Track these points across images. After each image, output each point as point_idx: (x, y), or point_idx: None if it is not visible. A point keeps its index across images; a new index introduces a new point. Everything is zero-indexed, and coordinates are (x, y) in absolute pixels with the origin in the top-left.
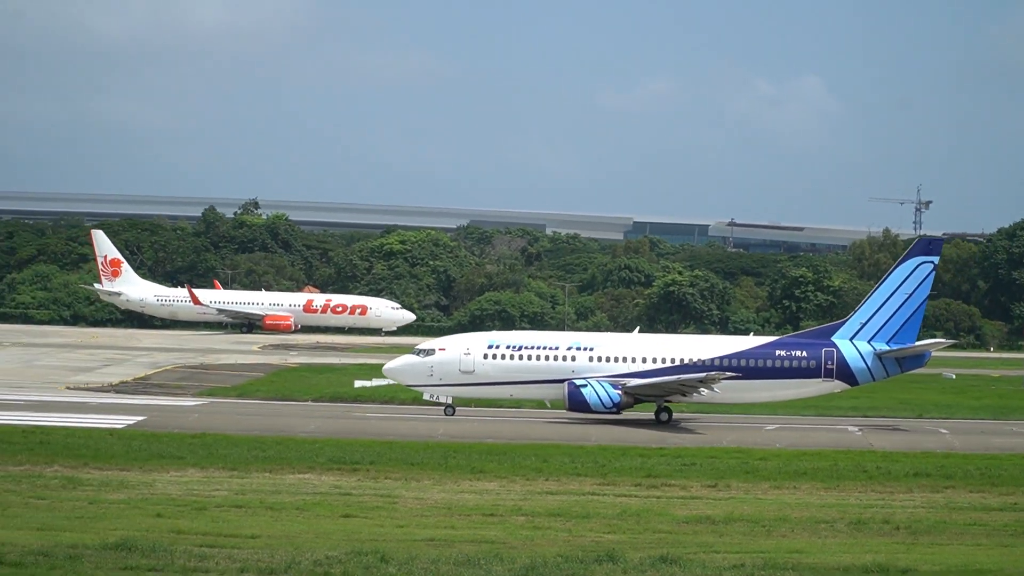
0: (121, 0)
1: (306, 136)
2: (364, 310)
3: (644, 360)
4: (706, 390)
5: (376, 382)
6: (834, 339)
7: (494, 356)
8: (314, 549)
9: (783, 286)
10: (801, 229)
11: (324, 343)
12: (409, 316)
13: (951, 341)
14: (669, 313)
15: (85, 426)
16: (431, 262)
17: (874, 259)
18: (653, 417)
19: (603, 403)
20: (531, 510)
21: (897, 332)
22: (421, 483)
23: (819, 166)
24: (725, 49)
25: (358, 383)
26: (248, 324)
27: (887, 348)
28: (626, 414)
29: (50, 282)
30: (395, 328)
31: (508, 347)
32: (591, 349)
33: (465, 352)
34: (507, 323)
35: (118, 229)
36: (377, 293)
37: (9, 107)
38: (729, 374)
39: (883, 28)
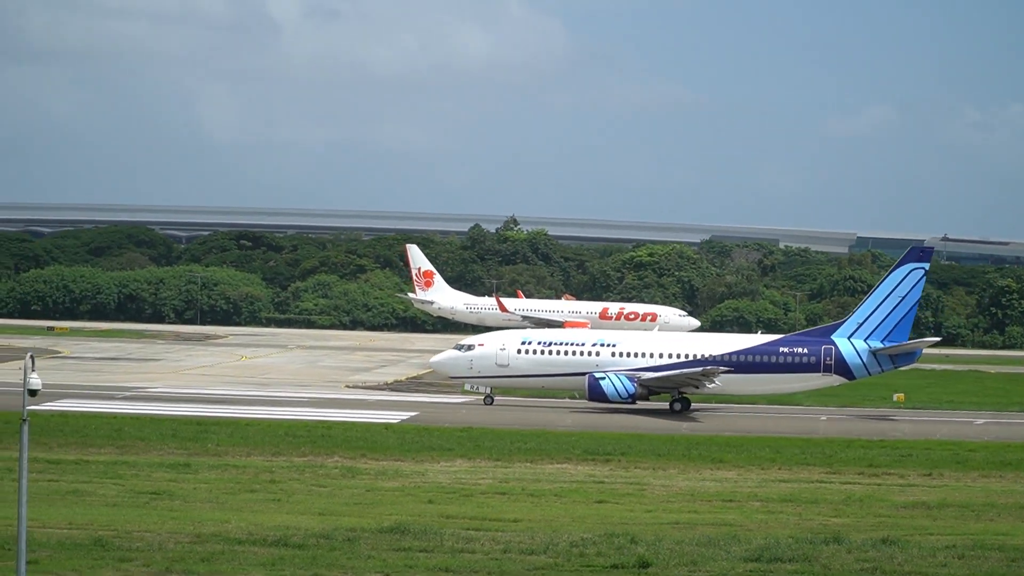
0: (394, 36)
1: (563, 157)
2: (654, 317)
3: (661, 356)
4: (710, 383)
5: None
6: (833, 337)
7: (527, 351)
8: (571, 532)
9: (991, 295)
10: (1007, 244)
11: None
12: (694, 323)
13: (938, 339)
14: None
15: (363, 421)
16: (676, 273)
17: None
18: (668, 407)
19: (619, 394)
20: (765, 496)
21: (891, 332)
22: (667, 472)
23: None
24: (938, 80)
25: None
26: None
27: (881, 346)
28: (642, 404)
29: (331, 290)
30: None
31: (539, 343)
32: (614, 345)
33: (501, 348)
34: (744, 328)
35: (392, 243)
36: (628, 301)
37: (294, 133)
38: (724, 368)
39: None
